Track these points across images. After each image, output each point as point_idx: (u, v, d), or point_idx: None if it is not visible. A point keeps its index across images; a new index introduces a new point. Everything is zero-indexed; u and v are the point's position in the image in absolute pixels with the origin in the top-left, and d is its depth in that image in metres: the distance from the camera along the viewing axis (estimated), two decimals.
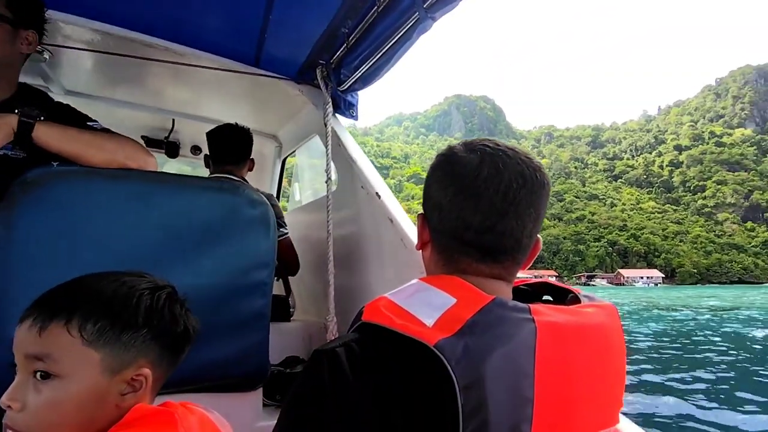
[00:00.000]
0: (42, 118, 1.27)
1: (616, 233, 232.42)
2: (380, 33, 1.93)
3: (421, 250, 0.88)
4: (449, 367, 0.60)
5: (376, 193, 2.04)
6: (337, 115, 2.34)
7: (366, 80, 2.14)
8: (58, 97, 2.48)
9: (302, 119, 2.76)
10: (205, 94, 2.61)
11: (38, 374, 0.75)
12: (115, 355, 0.79)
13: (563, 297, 0.88)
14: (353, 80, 2.16)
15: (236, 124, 2.39)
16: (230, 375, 1.51)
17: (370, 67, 2.07)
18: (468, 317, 0.65)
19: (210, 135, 2.38)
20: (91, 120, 1.50)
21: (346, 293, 2.15)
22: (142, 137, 3.04)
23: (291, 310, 2.55)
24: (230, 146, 2.38)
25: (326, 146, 2.16)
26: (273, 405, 1.84)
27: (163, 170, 1.67)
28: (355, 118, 2.33)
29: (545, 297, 0.92)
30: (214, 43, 2.19)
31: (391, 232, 1.92)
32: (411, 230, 1.89)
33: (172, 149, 3.11)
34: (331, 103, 2.20)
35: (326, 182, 2.12)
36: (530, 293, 0.92)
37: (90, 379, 0.77)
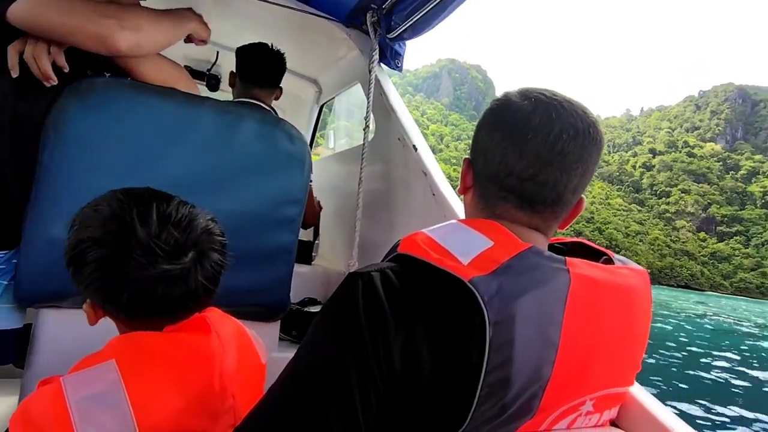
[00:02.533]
0: None
1: (583, 224, 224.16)
2: None
3: (463, 195, 0.80)
4: (482, 303, 0.54)
5: (413, 145, 1.77)
6: (381, 64, 2.03)
7: (417, 29, 1.83)
8: None
9: (346, 65, 2.44)
10: (252, 28, 2.30)
11: None
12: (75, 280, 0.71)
13: (597, 258, 0.78)
14: (404, 28, 1.85)
15: (271, 45, 1.91)
16: (253, 303, 1.38)
17: (423, 15, 1.75)
18: (504, 260, 0.59)
19: (242, 51, 1.89)
20: None
21: (370, 244, 1.92)
22: (185, 67, 2.68)
23: (313, 254, 2.32)
24: (265, 68, 1.88)
25: (368, 95, 1.88)
26: (288, 339, 1.67)
27: None
28: (400, 69, 2.02)
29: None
30: None
31: (425, 185, 1.67)
32: (444, 186, 1.65)
33: (213, 82, 2.76)
34: (378, 51, 1.90)
35: (364, 130, 1.85)
36: (565, 252, 0.82)
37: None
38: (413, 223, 1.78)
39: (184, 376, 0.70)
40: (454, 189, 1.57)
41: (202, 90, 2.81)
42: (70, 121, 1.11)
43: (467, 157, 0.77)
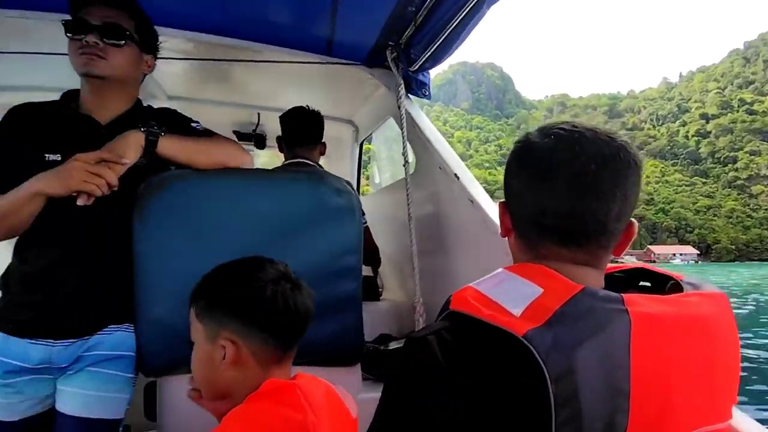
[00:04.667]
0: (163, 132, 1.23)
1: (643, 207, 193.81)
2: (448, 8, 1.59)
3: (507, 238, 0.75)
4: (539, 358, 0.51)
5: (455, 174, 1.73)
6: (410, 95, 2.01)
7: (437, 58, 1.80)
8: (162, 102, 2.38)
9: (376, 102, 2.46)
10: (284, 86, 2.39)
11: None
12: (207, 326, 0.88)
13: (663, 284, 0.72)
14: (423, 59, 1.83)
15: (307, 106, 2.03)
16: (330, 351, 1.40)
17: (439, 44, 1.73)
18: (556, 308, 0.55)
19: (282, 118, 2.04)
20: (193, 121, 1.41)
21: (430, 274, 1.89)
22: (234, 132, 2.87)
23: (380, 290, 2.32)
24: (302, 129, 2.02)
25: (401, 128, 1.86)
26: (371, 379, 1.65)
27: (254, 160, 1.52)
28: (428, 97, 2.00)
29: (642, 283, 0.76)
30: (288, 38, 1.94)
31: (472, 213, 1.62)
32: (492, 211, 1.60)
33: (260, 141, 2.91)
34: (403, 85, 1.89)
35: (404, 165, 1.82)
36: (625, 280, 0.77)
37: (203, 346, 0.88)
38: (469, 251, 1.74)
39: None
40: None
41: (250, 149, 2.92)
42: (151, 212, 1.24)
43: (502, 201, 0.74)
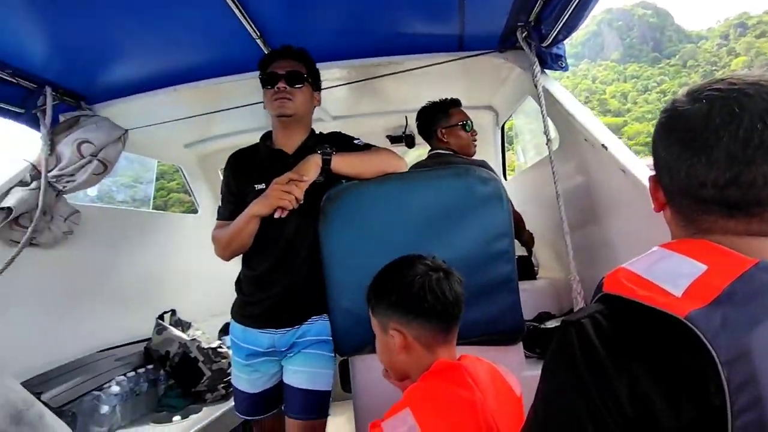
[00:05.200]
0: (334, 152, 1.49)
1: None
2: None
3: (662, 212, 0.70)
4: (705, 340, 0.47)
5: (602, 144, 1.63)
6: (546, 71, 1.95)
7: (569, 29, 1.70)
8: (328, 123, 2.82)
9: (512, 84, 2.44)
10: (425, 87, 2.52)
11: None
12: (379, 320, 1.06)
13: None
14: (555, 32, 1.74)
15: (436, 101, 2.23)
16: (492, 332, 1.50)
17: (570, 14, 1.62)
18: (724, 286, 0.50)
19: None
20: (355, 139, 1.66)
21: (585, 249, 1.82)
22: (387, 137, 3.17)
23: (535, 268, 2.32)
24: (419, 124, 2.27)
25: (540, 105, 1.82)
26: (534, 357, 1.70)
27: (406, 159, 1.72)
28: (565, 68, 1.90)
29: None
30: (423, 44, 2.08)
31: (625, 183, 1.53)
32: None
33: (409, 141, 3.15)
34: (537, 62, 1.84)
35: (546, 144, 1.79)
36: None
37: (380, 336, 1.07)
38: (624, 223, 1.65)
39: (459, 421, 0.90)
40: None
41: (403, 149, 3.18)
42: (331, 220, 1.50)
43: (652, 174, 0.69)
